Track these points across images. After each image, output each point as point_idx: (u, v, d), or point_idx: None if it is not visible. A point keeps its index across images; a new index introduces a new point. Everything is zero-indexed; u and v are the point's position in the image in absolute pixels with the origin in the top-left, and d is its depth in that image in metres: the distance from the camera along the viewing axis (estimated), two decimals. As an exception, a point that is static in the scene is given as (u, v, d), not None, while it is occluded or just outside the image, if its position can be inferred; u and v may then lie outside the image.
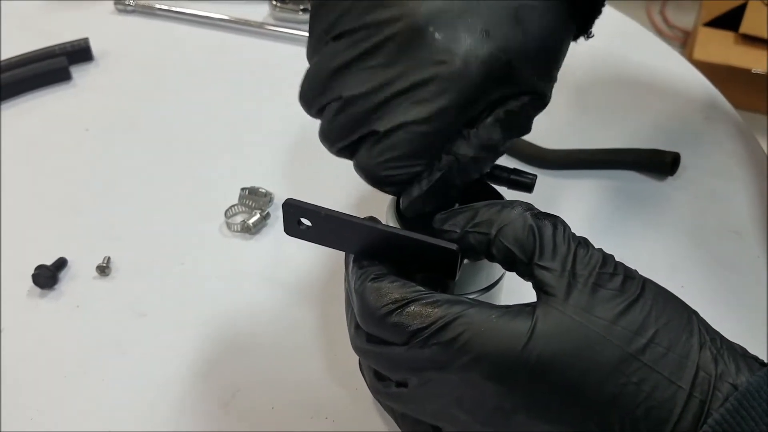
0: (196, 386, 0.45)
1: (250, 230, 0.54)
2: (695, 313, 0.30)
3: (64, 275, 0.51)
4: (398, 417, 0.37)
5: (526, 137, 0.58)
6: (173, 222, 0.55)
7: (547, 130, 0.61)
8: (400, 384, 0.33)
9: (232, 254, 0.53)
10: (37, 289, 0.50)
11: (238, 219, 0.54)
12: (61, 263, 0.51)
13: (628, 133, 0.62)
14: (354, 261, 0.34)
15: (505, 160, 0.59)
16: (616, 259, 0.31)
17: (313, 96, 0.36)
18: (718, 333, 0.30)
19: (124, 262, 0.52)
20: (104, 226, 0.54)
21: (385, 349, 0.32)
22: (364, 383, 0.43)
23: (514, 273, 0.32)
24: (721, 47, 1.66)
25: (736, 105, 0.66)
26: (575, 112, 0.64)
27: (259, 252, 0.53)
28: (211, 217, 0.55)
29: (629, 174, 0.58)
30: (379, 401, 0.38)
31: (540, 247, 0.30)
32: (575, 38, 0.37)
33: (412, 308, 0.30)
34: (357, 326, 0.34)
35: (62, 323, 0.48)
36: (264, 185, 0.56)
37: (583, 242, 0.31)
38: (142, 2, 0.75)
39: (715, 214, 0.55)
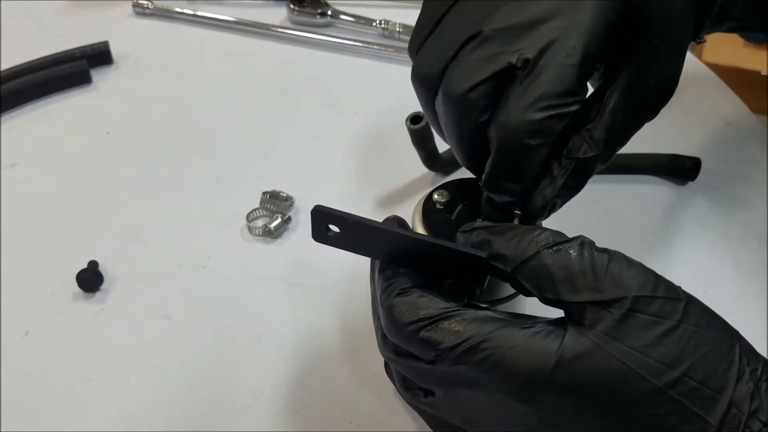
0: (220, 389, 0.45)
1: (271, 234, 0.54)
2: (739, 338, 0.29)
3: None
4: (428, 418, 0.37)
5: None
6: (195, 225, 0.55)
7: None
8: (428, 392, 0.33)
9: (253, 258, 0.53)
10: (62, 293, 0.50)
11: (260, 223, 0.55)
12: (95, 266, 0.51)
13: (648, 137, 0.61)
14: (380, 271, 0.33)
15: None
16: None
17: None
18: (762, 359, 0.29)
19: (148, 266, 0.52)
20: (127, 230, 0.55)
21: (412, 362, 0.32)
22: (388, 388, 0.44)
23: None
24: (731, 49, 1.66)
25: (751, 107, 0.66)
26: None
27: (280, 256, 0.53)
28: (233, 221, 0.55)
29: (649, 179, 0.58)
30: (407, 402, 0.38)
31: (564, 281, 0.29)
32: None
33: (440, 326, 0.30)
34: (384, 335, 0.33)
35: (87, 326, 0.49)
36: (285, 189, 0.56)
37: (616, 259, 0.29)
38: (160, 5, 0.75)
39: (736, 220, 0.55)
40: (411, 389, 0.34)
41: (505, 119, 0.32)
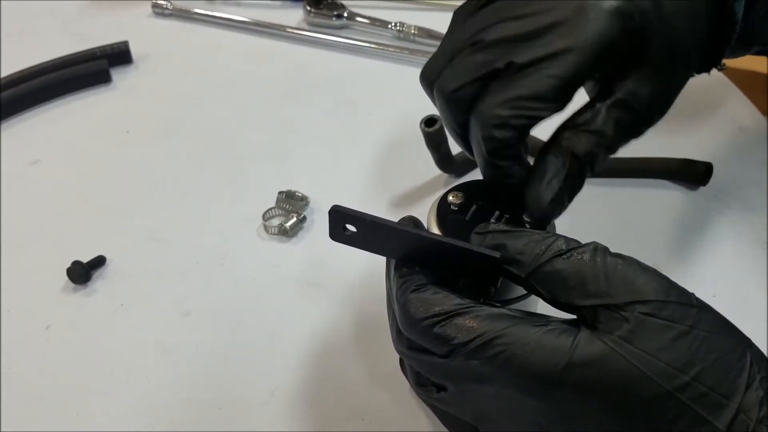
0: (236, 385, 0.46)
1: (286, 233, 0.55)
2: (750, 345, 0.29)
3: (108, 274, 0.52)
4: (440, 414, 0.37)
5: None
6: (213, 224, 0.56)
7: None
8: (440, 388, 0.34)
9: (269, 256, 0.54)
10: (82, 289, 0.51)
11: (276, 222, 0.56)
12: (98, 261, 0.52)
13: (660, 142, 0.62)
14: (395, 269, 0.34)
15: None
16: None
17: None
18: None
19: (167, 263, 0.53)
20: (147, 227, 0.56)
21: (426, 357, 0.32)
22: (402, 386, 0.45)
23: None
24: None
25: (762, 111, 0.66)
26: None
27: (295, 255, 0.54)
28: (249, 220, 0.56)
29: (661, 183, 0.59)
30: (420, 398, 0.39)
31: (577, 287, 0.30)
32: (707, 69, 0.39)
33: (454, 321, 0.31)
34: (399, 331, 0.34)
35: (107, 322, 0.50)
36: (301, 189, 0.57)
37: (629, 264, 0.30)
38: (179, 6, 0.76)
39: (748, 224, 0.56)
40: (424, 385, 0.35)
41: (479, 108, 0.35)
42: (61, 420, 0.45)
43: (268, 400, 0.45)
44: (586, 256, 0.30)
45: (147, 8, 0.77)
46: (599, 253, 0.30)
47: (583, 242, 0.31)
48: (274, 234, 0.55)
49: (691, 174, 0.58)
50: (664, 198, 0.58)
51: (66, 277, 0.51)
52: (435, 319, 0.31)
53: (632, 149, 0.60)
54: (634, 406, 0.28)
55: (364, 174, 0.60)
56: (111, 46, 0.70)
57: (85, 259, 0.52)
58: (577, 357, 0.28)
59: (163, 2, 0.76)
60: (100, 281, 0.52)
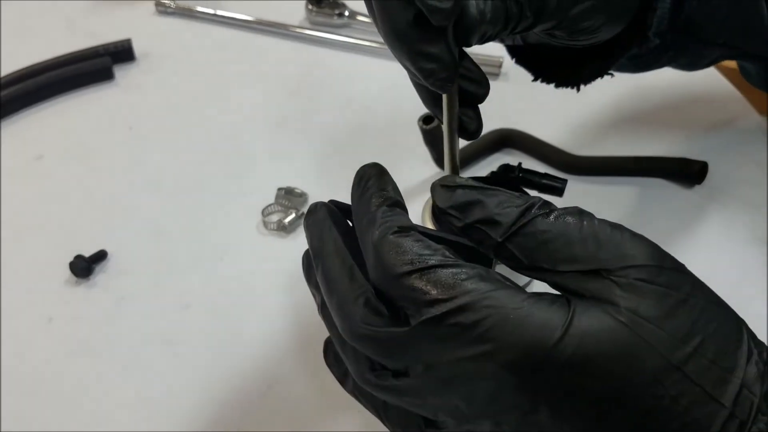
0: (235, 376, 0.47)
1: (285, 229, 0.55)
2: (743, 321, 0.27)
3: (110, 268, 0.53)
4: (382, 412, 0.31)
5: (557, 143, 0.60)
6: (213, 219, 0.57)
7: (577, 137, 0.63)
8: (399, 374, 0.28)
9: (268, 251, 0.55)
10: (85, 282, 0.52)
11: (275, 218, 0.56)
12: (100, 255, 0.53)
13: (657, 141, 0.62)
14: (378, 207, 0.30)
15: (536, 165, 0.60)
16: None
17: None
18: (764, 344, 0.27)
19: (168, 257, 0.54)
20: (149, 222, 0.57)
21: (391, 330, 0.27)
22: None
23: None
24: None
25: (758, 110, 0.66)
26: (604, 120, 0.65)
27: (293, 250, 0.55)
28: (249, 216, 0.57)
29: (657, 182, 0.59)
30: (358, 397, 0.33)
31: (561, 249, 0.26)
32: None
33: (434, 274, 0.26)
34: (354, 301, 0.28)
35: (110, 313, 0.51)
36: (299, 186, 0.58)
37: (620, 229, 0.27)
38: (182, 5, 0.77)
39: (743, 223, 0.56)
40: (375, 370, 0.29)
41: None
42: (63, 409, 0.45)
43: (266, 391, 0.46)
44: (571, 219, 0.27)
45: (150, 6, 0.77)
46: (585, 217, 0.27)
47: None
48: (273, 229, 0.56)
49: (687, 172, 0.58)
50: (660, 196, 0.58)
51: (68, 271, 0.52)
52: (411, 267, 0.26)
53: (629, 148, 0.61)
54: (636, 382, 0.24)
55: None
56: (114, 43, 0.71)
57: (87, 254, 0.53)
58: (574, 327, 0.25)
59: (166, 1, 0.77)
60: (101, 275, 0.53)
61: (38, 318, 0.50)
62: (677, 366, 0.25)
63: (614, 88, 0.68)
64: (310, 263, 0.32)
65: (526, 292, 0.26)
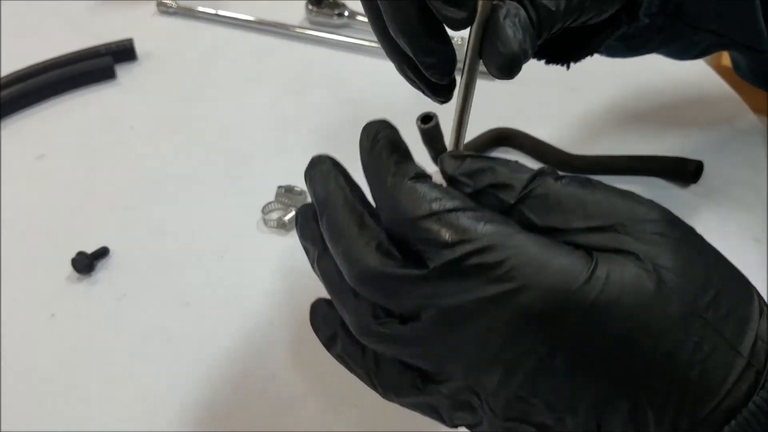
0: (235, 373, 0.48)
1: (285, 226, 0.56)
2: (751, 283, 0.28)
3: (111, 265, 0.54)
4: (373, 375, 0.30)
5: (553, 142, 0.61)
6: (214, 217, 0.58)
7: (573, 136, 0.63)
8: (406, 320, 0.28)
9: (268, 249, 0.55)
10: (85, 278, 0.53)
11: (274, 216, 0.57)
12: (101, 252, 0.54)
13: (653, 140, 0.63)
14: (389, 156, 0.30)
15: (533, 164, 0.61)
16: None
17: None
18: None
19: (169, 255, 0.55)
20: (150, 220, 0.57)
21: (408, 270, 0.27)
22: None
23: None
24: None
25: (754, 110, 0.67)
26: (600, 119, 0.66)
27: (293, 247, 0.55)
28: (249, 213, 0.57)
29: (653, 180, 0.60)
30: (345, 360, 0.31)
31: (576, 209, 0.27)
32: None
33: (455, 216, 0.26)
34: (366, 245, 0.28)
35: (111, 311, 0.51)
36: (299, 184, 0.58)
37: (628, 192, 0.27)
38: (184, 5, 0.78)
39: (737, 222, 0.57)
40: (379, 318, 0.28)
41: None
42: (64, 406, 0.46)
43: (265, 386, 0.47)
44: (579, 183, 0.27)
45: (152, 6, 0.78)
46: (593, 181, 0.28)
47: None
48: (273, 227, 0.56)
49: (682, 172, 0.59)
50: (655, 195, 0.58)
51: (70, 267, 0.53)
52: (431, 211, 0.26)
53: (625, 147, 0.62)
54: (659, 328, 0.24)
55: (361, 170, 0.61)
56: (116, 43, 0.72)
57: (89, 250, 0.53)
58: (599, 271, 0.25)
59: (167, 1, 0.77)
60: (103, 272, 0.54)
61: (41, 313, 0.51)
62: (699, 313, 0.25)
63: (610, 88, 0.68)
64: (306, 217, 0.32)
65: (548, 239, 0.26)
